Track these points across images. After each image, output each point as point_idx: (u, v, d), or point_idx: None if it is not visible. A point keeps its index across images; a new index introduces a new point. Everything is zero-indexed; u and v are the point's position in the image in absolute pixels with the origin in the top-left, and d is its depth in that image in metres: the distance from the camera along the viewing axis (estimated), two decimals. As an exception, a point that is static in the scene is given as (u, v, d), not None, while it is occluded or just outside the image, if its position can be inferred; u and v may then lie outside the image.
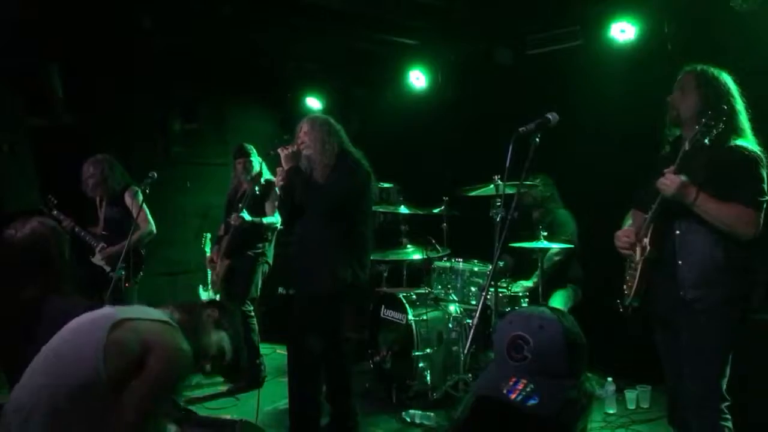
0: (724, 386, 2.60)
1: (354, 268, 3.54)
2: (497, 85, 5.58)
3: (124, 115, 6.10)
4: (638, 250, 2.72)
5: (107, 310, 2.06)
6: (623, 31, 4.69)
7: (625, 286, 2.80)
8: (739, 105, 2.67)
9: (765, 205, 2.54)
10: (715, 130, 2.49)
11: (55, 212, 4.68)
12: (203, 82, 6.48)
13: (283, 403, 4.09)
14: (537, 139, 2.62)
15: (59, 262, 2.44)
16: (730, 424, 2.59)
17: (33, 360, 1.97)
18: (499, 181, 4.30)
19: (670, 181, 2.53)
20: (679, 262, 2.62)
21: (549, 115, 2.62)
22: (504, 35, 5.46)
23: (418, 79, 6.25)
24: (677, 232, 2.64)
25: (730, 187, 2.51)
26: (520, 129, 2.57)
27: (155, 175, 4.32)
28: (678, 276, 2.61)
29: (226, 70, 6.54)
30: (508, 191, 3.04)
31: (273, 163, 4.00)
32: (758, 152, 2.57)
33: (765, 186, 2.54)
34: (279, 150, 3.59)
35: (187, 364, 2.03)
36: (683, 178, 2.52)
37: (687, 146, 2.53)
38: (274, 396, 4.49)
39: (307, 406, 3.65)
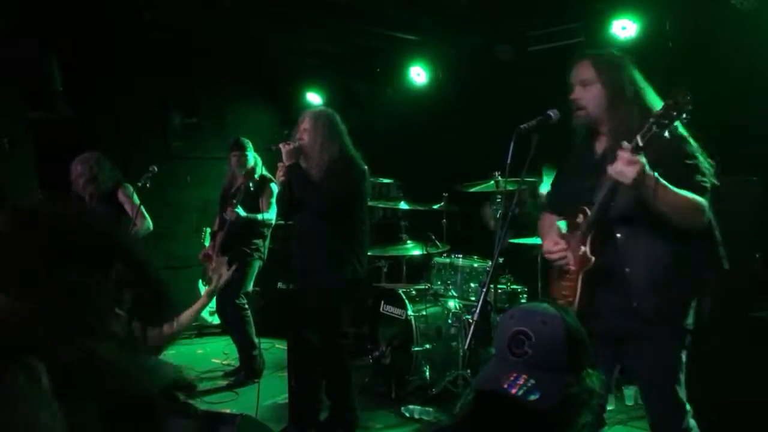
0: (684, 393, 2.39)
1: (352, 264, 3.55)
2: (498, 82, 5.57)
3: (123, 109, 6.10)
4: (573, 259, 2.42)
5: None
6: (624, 28, 4.70)
7: (561, 302, 2.43)
8: (644, 84, 2.44)
9: (710, 188, 2.29)
10: (678, 121, 2.14)
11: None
12: (203, 76, 6.48)
13: (283, 397, 4.10)
14: (538, 137, 2.61)
15: None
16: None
17: None
18: (500, 178, 4.31)
19: (628, 164, 2.14)
20: (627, 269, 2.33)
21: (550, 112, 2.55)
22: (505, 32, 5.45)
23: (419, 75, 6.24)
24: (618, 235, 2.36)
25: (672, 172, 2.23)
26: (521, 126, 2.53)
27: (155, 169, 4.32)
28: (626, 285, 2.33)
29: (227, 65, 6.54)
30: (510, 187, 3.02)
31: (273, 159, 4.00)
32: (681, 129, 2.32)
33: (701, 166, 2.30)
34: (281, 145, 3.59)
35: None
36: (643, 159, 2.16)
37: (640, 141, 2.16)
38: (273, 390, 4.50)
39: (306, 400, 3.67)
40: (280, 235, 5.18)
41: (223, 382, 4.82)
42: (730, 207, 3.45)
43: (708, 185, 2.30)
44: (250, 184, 4.66)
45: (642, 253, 2.32)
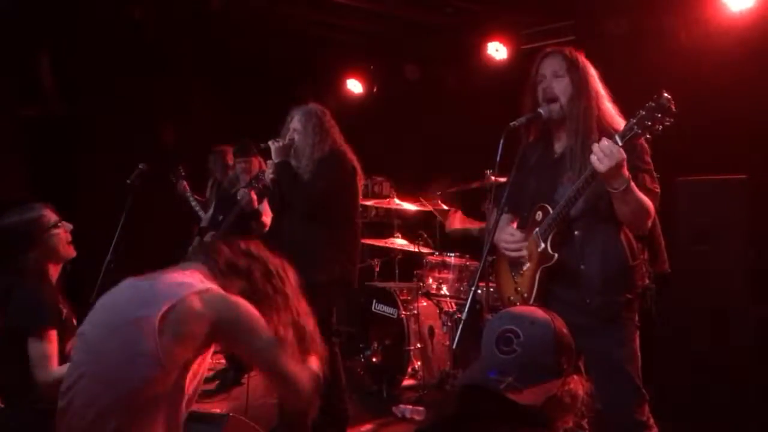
0: (640, 383, 2.39)
1: (342, 262, 3.52)
2: (491, 80, 5.56)
3: (115, 107, 6.06)
4: (529, 254, 2.44)
5: None
6: (617, 26, 4.69)
7: (515, 298, 2.51)
8: (601, 88, 2.46)
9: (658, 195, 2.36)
10: (660, 125, 2.11)
11: (183, 182, 4.95)
12: (196, 72, 6.45)
13: (272, 397, 4.08)
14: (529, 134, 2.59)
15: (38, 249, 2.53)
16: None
17: None
18: (491, 176, 4.29)
19: (610, 152, 2.11)
20: (582, 267, 2.36)
21: (541, 110, 2.55)
22: (498, 29, 5.44)
23: (411, 71, 6.22)
24: (576, 233, 2.37)
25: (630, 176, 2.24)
26: (511, 123, 2.52)
27: (145, 166, 4.28)
28: (581, 281, 2.35)
29: (220, 62, 6.51)
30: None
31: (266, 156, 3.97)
32: None
33: (652, 171, 2.36)
34: (270, 143, 3.56)
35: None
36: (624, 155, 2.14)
37: (619, 140, 2.16)
38: (263, 390, 4.47)
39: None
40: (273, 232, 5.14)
41: (213, 382, 4.79)
42: (723, 206, 3.48)
43: (657, 191, 2.36)
44: (255, 183, 4.53)
45: (598, 251, 2.36)
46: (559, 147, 2.51)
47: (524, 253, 2.45)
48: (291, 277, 2.08)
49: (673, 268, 3.06)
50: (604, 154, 2.12)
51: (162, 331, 1.65)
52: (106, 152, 5.97)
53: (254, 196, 4.47)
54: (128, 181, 4.41)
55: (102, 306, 1.85)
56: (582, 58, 2.49)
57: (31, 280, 2.50)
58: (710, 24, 4.26)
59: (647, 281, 2.44)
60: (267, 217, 4.62)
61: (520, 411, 1.29)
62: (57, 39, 5.44)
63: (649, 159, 2.38)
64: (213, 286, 1.81)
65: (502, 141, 2.45)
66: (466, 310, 2.34)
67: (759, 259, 3.50)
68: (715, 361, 3.44)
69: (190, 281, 1.79)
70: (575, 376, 1.40)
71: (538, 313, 1.45)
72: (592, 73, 2.48)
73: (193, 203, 5.11)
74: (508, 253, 2.52)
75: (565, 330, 1.42)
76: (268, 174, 3.63)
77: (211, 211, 4.96)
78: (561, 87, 2.44)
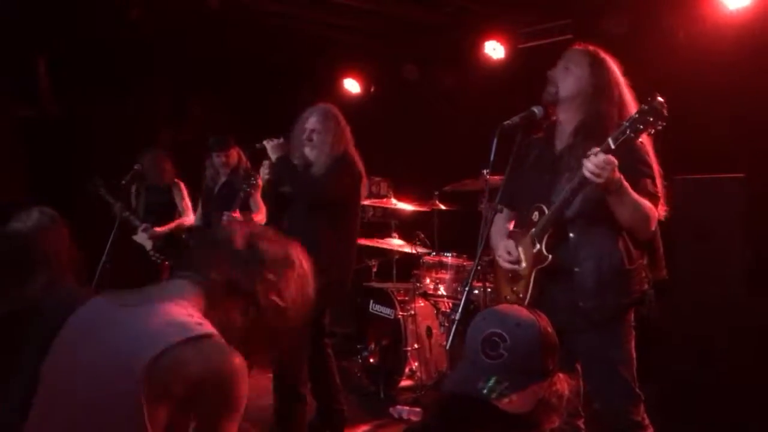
0: (635, 383, 2.38)
1: (340, 261, 3.51)
2: (489, 78, 5.55)
3: (113, 108, 6.05)
4: (525, 257, 2.42)
5: None
6: (615, 24, 4.67)
7: (511, 298, 2.49)
8: (628, 96, 2.42)
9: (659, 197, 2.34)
10: (652, 128, 2.10)
11: (102, 192, 4.83)
12: (196, 73, 6.44)
13: (268, 398, 4.06)
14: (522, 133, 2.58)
15: (63, 253, 2.40)
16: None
17: None
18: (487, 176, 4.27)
19: (604, 165, 2.09)
20: (576, 269, 2.33)
21: (534, 109, 2.53)
22: (496, 28, 5.43)
23: (409, 71, 6.21)
24: (571, 235, 2.35)
25: (626, 178, 2.20)
26: (505, 123, 2.50)
27: (141, 167, 4.28)
28: (574, 284, 2.34)
29: (220, 62, 6.50)
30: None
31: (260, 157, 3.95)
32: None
33: (654, 174, 2.34)
34: (265, 142, 3.54)
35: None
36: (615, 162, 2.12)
37: (612, 143, 2.13)
38: (259, 391, 4.44)
39: (291, 401, 3.62)
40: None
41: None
42: (720, 204, 3.46)
43: (659, 196, 2.33)
44: (247, 188, 4.51)
45: (592, 254, 2.34)
46: (559, 145, 2.49)
47: (523, 266, 2.43)
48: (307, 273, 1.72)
49: (671, 267, 3.04)
50: (598, 168, 2.09)
51: (148, 380, 1.32)
52: (103, 153, 5.95)
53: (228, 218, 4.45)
54: (123, 182, 4.42)
55: (79, 336, 1.49)
56: (607, 61, 2.48)
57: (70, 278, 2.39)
58: (708, 22, 4.24)
59: (646, 286, 2.41)
60: (261, 215, 4.58)
61: (509, 417, 1.28)
62: (54, 40, 5.43)
63: (650, 161, 2.35)
64: (210, 331, 1.42)
65: (495, 140, 2.44)
66: (460, 310, 2.33)
67: (757, 258, 3.48)
68: (713, 361, 3.42)
69: (184, 319, 1.41)
70: (560, 375, 1.39)
71: (523, 313, 1.43)
72: (616, 75, 2.46)
73: (127, 215, 4.93)
74: (503, 265, 2.51)
75: (550, 329, 1.40)
76: (264, 174, 3.61)
77: (199, 210, 4.91)
78: (566, 77, 2.43)
